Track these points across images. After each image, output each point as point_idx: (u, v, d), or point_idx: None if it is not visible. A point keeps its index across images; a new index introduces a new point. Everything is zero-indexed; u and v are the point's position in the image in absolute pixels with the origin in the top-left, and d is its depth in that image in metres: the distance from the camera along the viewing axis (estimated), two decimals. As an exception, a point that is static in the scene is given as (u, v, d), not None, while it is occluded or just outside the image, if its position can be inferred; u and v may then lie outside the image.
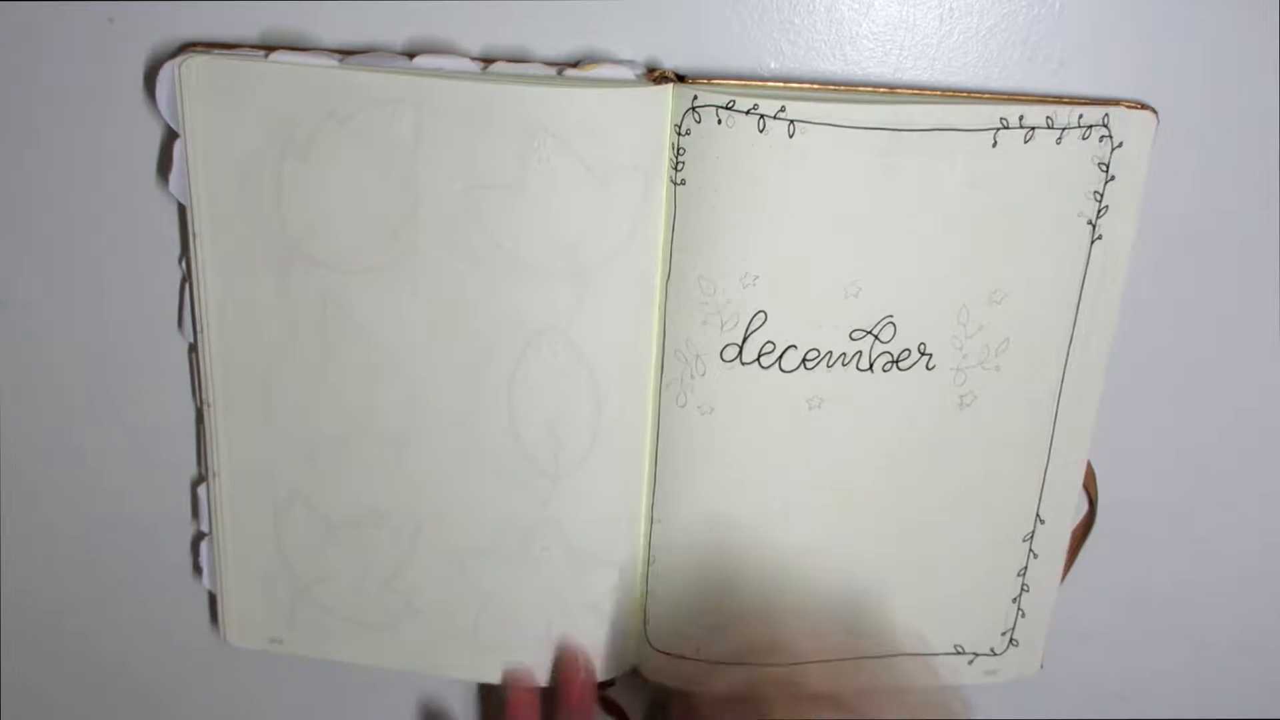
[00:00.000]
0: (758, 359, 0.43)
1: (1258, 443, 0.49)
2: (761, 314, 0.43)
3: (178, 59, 0.39)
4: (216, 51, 0.40)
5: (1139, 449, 0.49)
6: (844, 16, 0.42)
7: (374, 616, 0.47)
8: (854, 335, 0.43)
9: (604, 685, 0.52)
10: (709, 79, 0.41)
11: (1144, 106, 0.41)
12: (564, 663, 0.47)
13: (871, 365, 0.44)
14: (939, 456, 0.45)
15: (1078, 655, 0.52)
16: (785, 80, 0.42)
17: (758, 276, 0.42)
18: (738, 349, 0.43)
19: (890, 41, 0.42)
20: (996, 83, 0.43)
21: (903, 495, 0.46)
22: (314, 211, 0.41)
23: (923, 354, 0.44)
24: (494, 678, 0.49)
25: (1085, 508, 0.49)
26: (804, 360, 0.43)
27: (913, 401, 0.44)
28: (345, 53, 0.41)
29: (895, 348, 0.43)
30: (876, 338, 0.43)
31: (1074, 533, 0.49)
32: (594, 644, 0.48)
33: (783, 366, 0.43)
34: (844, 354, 0.43)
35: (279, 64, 0.39)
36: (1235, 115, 0.43)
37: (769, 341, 0.43)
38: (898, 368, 0.44)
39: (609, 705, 0.53)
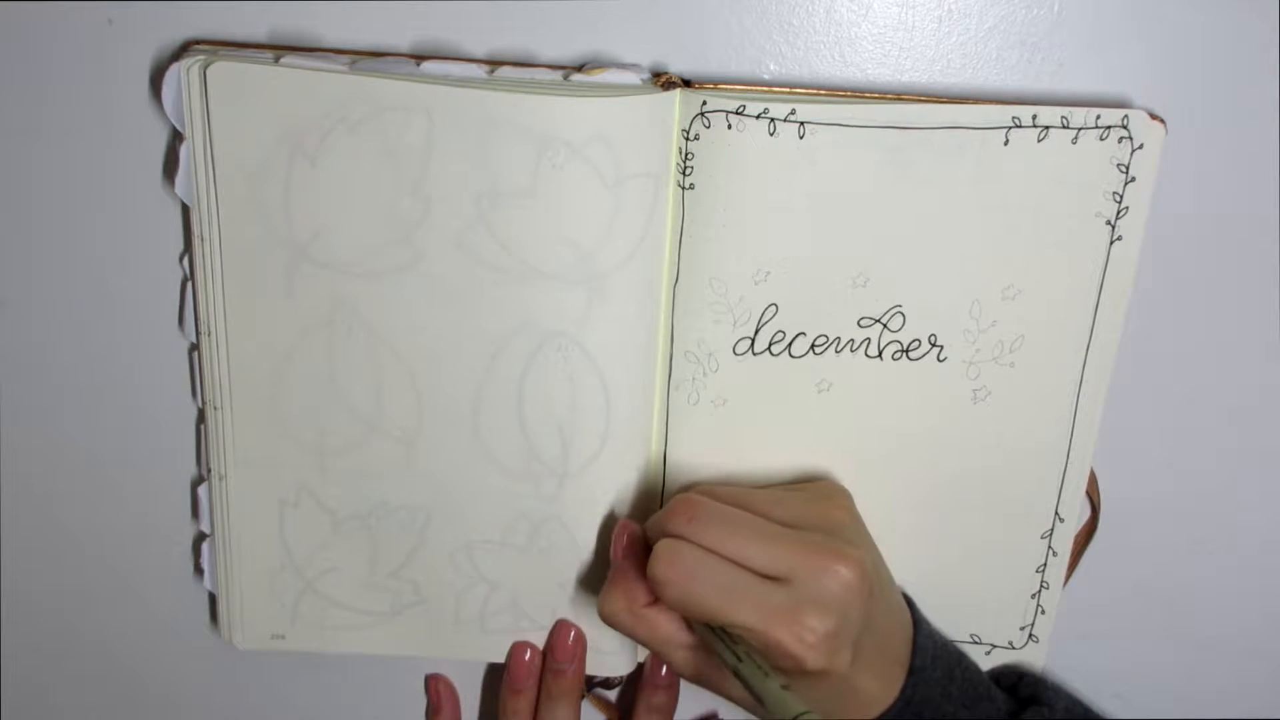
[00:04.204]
0: (768, 348, 0.44)
1: (1258, 443, 0.49)
2: (773, 306, 0.43)
3: (184, 61, 0.39)
4: (223, 51, 0.41)
5: (1139, 450, 0.49)
6: (843, 18, 0.42)
7: (381, 606, 0.48)
8: (862, 323, 0.43)
9: (610, 684, 0.52)
10: (712, 82, 0.42)
11: (1154, 117, 0.41)
12: (558, 625, 0.48)
13: (880, 353, 0.44)
14: (953, 448, 0.46)
15: (1078, 655, 0.52)
16: (787, 83, 0.42)
17: (769, 272, 0.42)
18: (749, 341, 0.43)
19: (889, 43, 0.42)
20: (995, 84, 0.43)
21: (915, 485, 0.46)
22: (322, 214, 0.41)
23: (934, 345, 0.44)
24: (500, 657, 0.49)
25: (1088, 513, 0.49)
26: (813, 346, 0.44)
27: (923, 391, 0.45)
28: (353, 54, 0.41)
29: (905, 337, 0.44)
30: (885, 326, 0.43)
31: (1076, 537, 0.49)
32: (600, 640, 0.48)
33: (792, 353, 0.44)
34: (852, 340, 0.44)
35: (290, 68, 0.39)
36: (1234, 116, 0.43)
37: (779, 331, 0.43)
38: (907, 357, 0.44)
39: (605, 705, 0.53)
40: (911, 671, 0.42)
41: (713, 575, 0.39)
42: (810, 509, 0.42)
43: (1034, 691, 0.46)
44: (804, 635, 0.38)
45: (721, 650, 0.40)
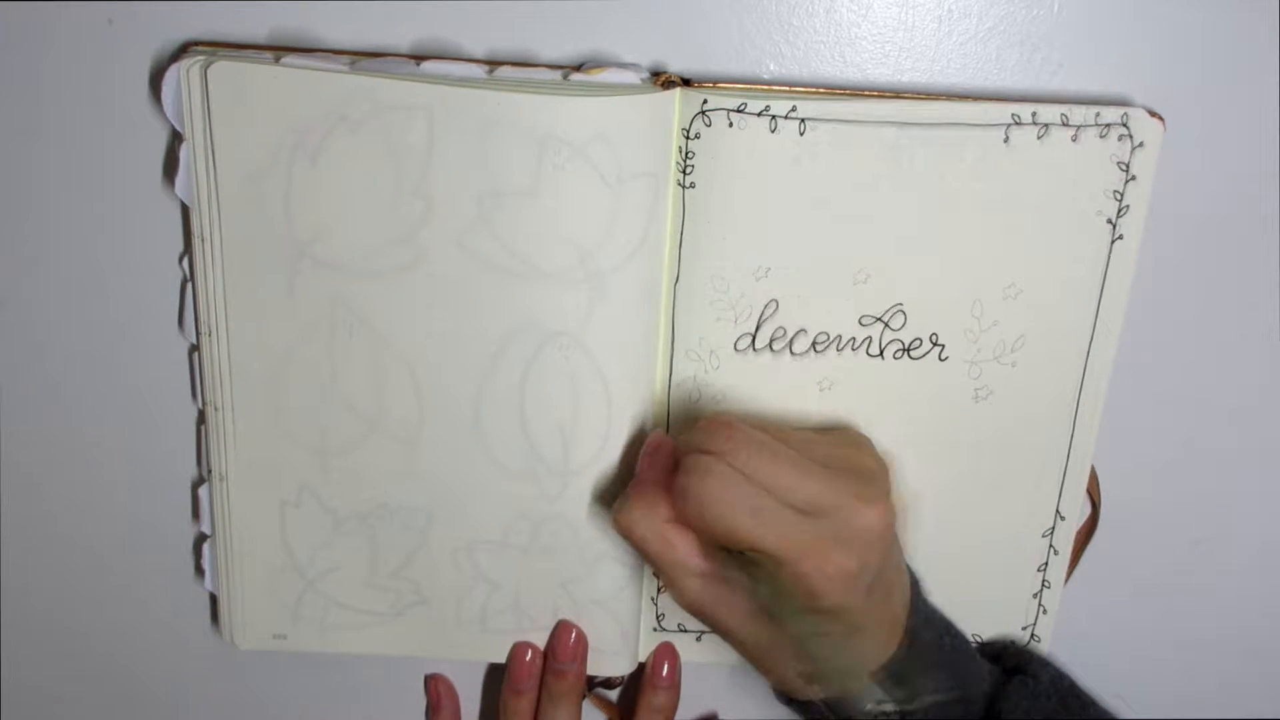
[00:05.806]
0: (769, 345, 0.44)
1: (1258, 443, 0.49)
2: (774, 303, 0.43)
3: (184, 62, 0.39)
4: (223, 51, 0.41)
5: (1139, 450, 0.49)
6: (843, 18, 0.42)
7: (382, 606, 0.48)
8: (863, 321, 0.44)
9: (611, 684, 0.52)
10: (712, 81, 0.42)
11: (1154, 115, 0.41)
12: (559, 626, 0.48)
13: (882, 352, 0.44)
14: (955, 448, 0.46)
15: (1078, 655, 0.51)
16: (786, 82, 0.42)
17: (770, 268, 0.43)
18: (750, 337, 0.43)
19: (889, 43, 0.42)
20: (995, 84, 0.43)
21: (916, 484, 0.46)
22: (322, 214, 0.41)
23: (935, 344, 0.44)
24: (501, 657, 0.49)
25: (1088, 510, 0.49)
26: (814, 344, 0.44)
27: (925, 390, 0.45)
28: (353, 54, 0.41)
29: (906, 336, 0.44)
30: (886, 325, 0.44)
31: (1076, 535, 0.49)
32: (601, 640, 0.48)
33: (793, 350, 0.44)
34: (853, 339, 0.44)
35: (290, 68, 0.39)
36: (1234, 116, 0.43)
37: (780, 327, 0.43)
38: (909, 356, 0.44)
39: (606, 705, 0.53)
40: (908, 630, 0.42)
41: (743, 497, 0.38)
42: (843, 453, 0.42)
43: (1018, 662, 0.46)
44: (827, 568, 0.37)
45: (735, 574, 0.38)
